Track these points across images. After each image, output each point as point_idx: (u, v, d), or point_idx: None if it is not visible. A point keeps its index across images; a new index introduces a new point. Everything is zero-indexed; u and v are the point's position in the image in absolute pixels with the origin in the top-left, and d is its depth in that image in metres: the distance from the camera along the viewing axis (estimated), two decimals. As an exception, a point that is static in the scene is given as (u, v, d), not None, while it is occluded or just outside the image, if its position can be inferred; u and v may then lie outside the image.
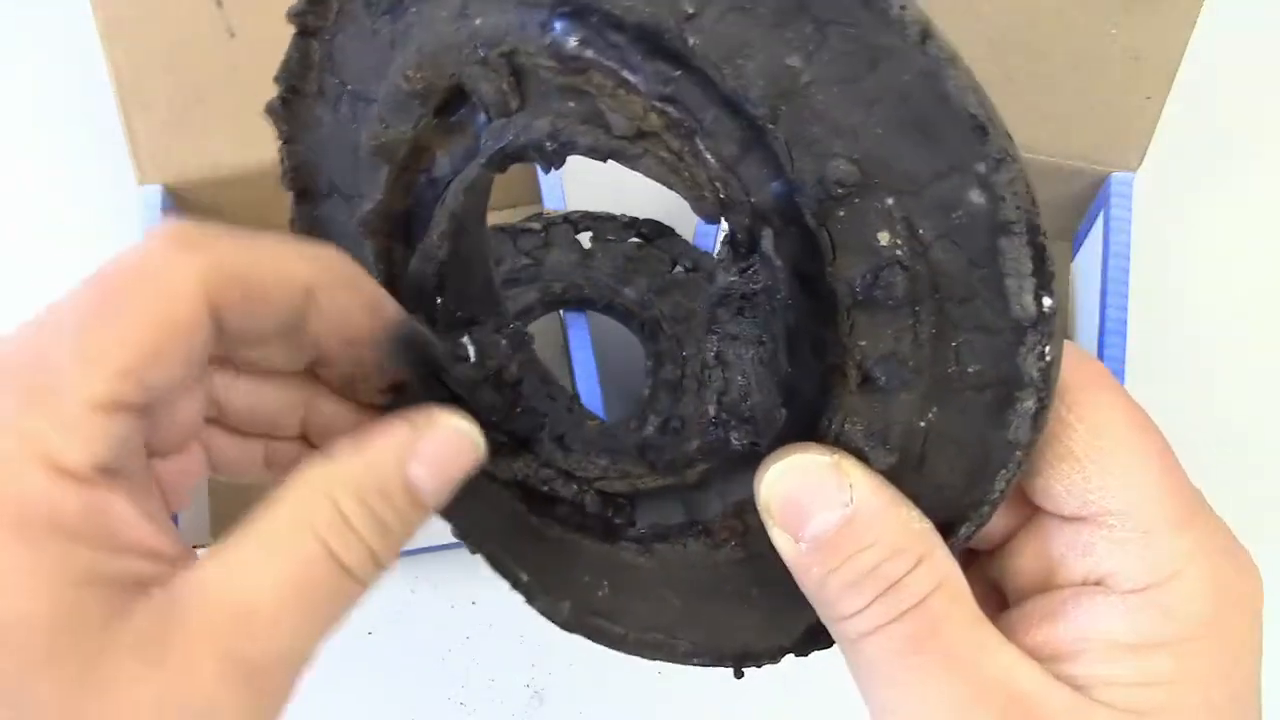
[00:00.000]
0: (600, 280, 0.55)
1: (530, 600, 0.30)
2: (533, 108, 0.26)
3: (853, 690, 0.26)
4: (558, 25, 0.25)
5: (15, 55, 0.67)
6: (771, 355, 0.26)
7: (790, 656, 0.28)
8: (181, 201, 0.56)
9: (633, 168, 0.25)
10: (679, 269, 0.55)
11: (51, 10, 0.66)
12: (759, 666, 0.29)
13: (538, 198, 0.59)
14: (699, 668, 0.30)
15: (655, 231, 0.56)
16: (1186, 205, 0.66)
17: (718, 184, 0.25)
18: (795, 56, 0.23)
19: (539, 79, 0.25)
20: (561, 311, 0.56)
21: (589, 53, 0.25)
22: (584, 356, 0.53)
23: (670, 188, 0.26)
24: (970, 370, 0.24)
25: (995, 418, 0.24)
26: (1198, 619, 0.23)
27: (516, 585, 0.30)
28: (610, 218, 0.56)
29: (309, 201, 0.31)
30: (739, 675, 0.29)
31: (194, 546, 0.25)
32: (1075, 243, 0.63)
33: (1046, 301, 0.23)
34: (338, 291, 0.25)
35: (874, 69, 0.23)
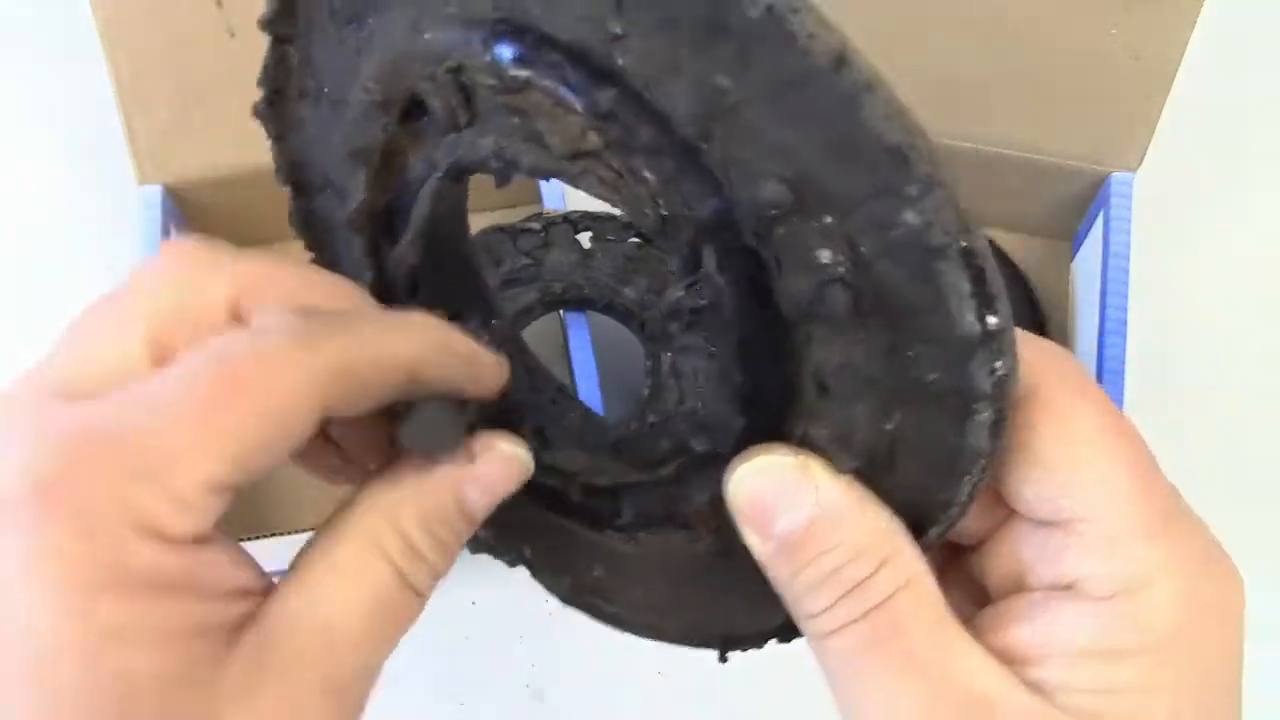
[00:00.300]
0: (600, 280, 0.55)
1: (534, 574, 0.31)
2: (481, 124, 0.26)
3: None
4: (498, 44, 0.25)
5: (15, 55, 0.67)
6: (723, 368, 0.26)
7: (773, 642, 0.29)
8: (181, 201, 0.56)
9: (575, 186, 0.26)
10: (679, 269, 0.55)
11: (51, 10, 0.66)
12: (744, 650, 0.30)
13: (538, 198, 0.59)
14: (690, 649, 0.31)
15: (655, 231, 0.56)
16: (1186, 205, 0.66)
17: (659, 200, 0.25)
18: (723, 76, 0.23)
19: (483, 97, 0.26)
20: (561, 311, 0.56)
21: (527, 72, 0.25)
22: (584, 356, 0.53)
23: (613, 205, 0.26)
24: (929, 379, 0.24)
25: (956, 425, 0.24)
26: (1166, 629, 0.23)
27: (521, 560, 0.31)
28: (610, 218, 0.56)
29: (305, 196, 0.32)
30: (723, 659, 0.30)
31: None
32: (1075, 243, 0.63)
33: (991, 320, 0.23)
34: (440, 362, 0.26)
35: (799, 90, 0.22)
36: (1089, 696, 0.23)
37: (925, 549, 0.25)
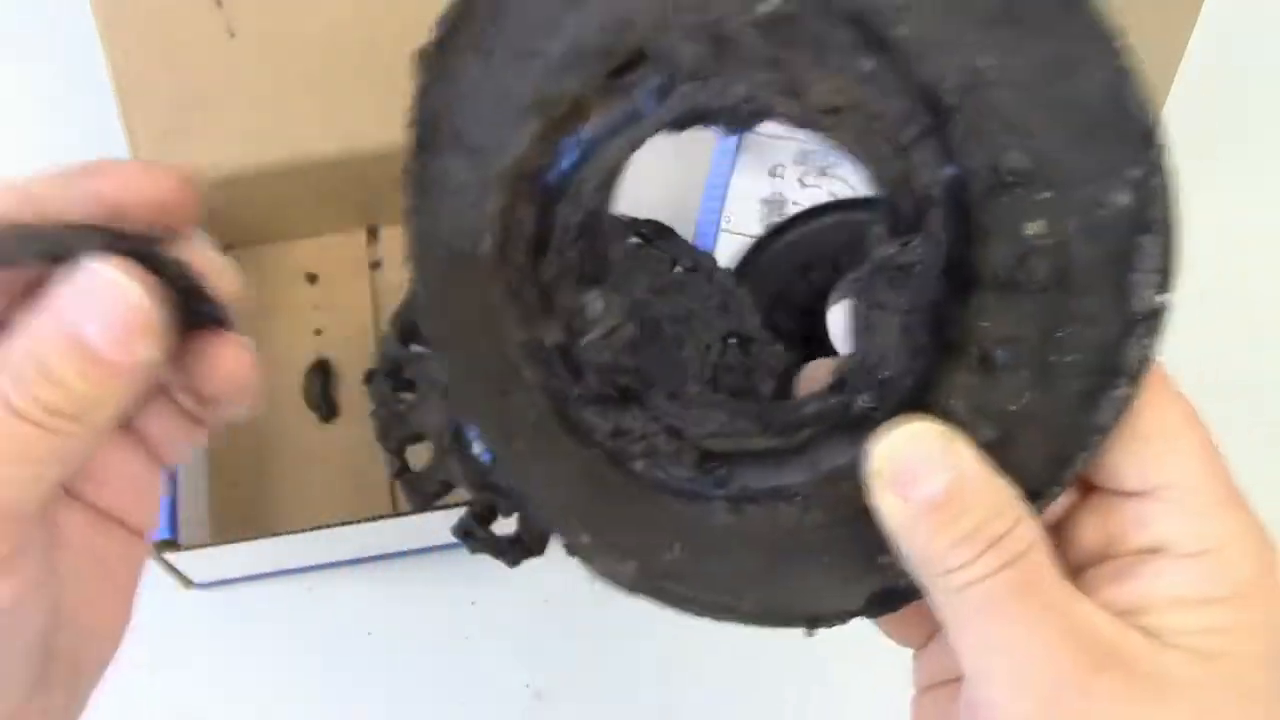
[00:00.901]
0: (600, 280, 0.55)
1: (589, 562, 0.31)
2: (727, 75, 0.29)
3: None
4: (766, 2, 0.28)
5: (15, 55, 0.67)
6: (916, 325, 0.29)
7: (856, 620, 0.30)
8: (181, 201, 0.56)
9: (823, 139, 0.28)
10: (679, 269, 0.55)
11: (51, 10, 0.66)
12: (828, 627, 0.30)
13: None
14: (764, 628, 0.31)
15: (655, 231, 0.56)
16: (1186, 205, 0.66)
17: (895, 163, 0.28)
18: (990, 57, 0.26)
19: (739, 48, 0.28)
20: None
21: (797, 28, 0.28)
22: (584, 356, 0.53)
23: (853, 160, 0.28)
24: (1069, 360, 0.27)
25: (1085, 404, 0.27)
26: (1247, 580, 0.27)
27: (575, 548, 0.31)
28: (610, 218, 0.56)
29: (427, 152, 0.31)
30: (810, 634, 0.31)
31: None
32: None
33: (1163, 297, 0.27)
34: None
35: (1058, 76, 0.26)
36: (1194, 637, 0.26)
37: None
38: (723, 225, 0.58)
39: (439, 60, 0.30)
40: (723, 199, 0.58)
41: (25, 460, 0.25)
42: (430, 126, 0.30)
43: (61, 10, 0.63)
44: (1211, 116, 0.66)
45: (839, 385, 0.30)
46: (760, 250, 0.58)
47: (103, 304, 0.26)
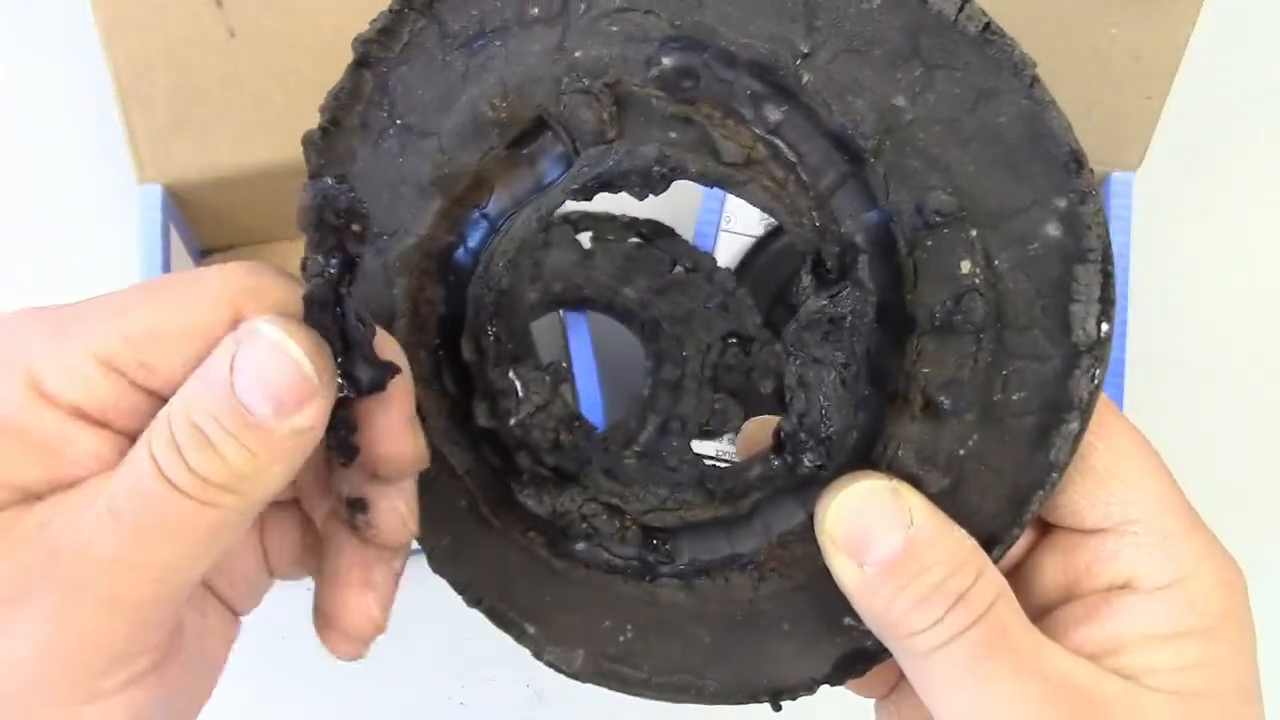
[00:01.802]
0: (600, 280, 0.55)
1: (538, 653, 0.30)
2: (630, 137, 0.28)
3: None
4: (666, 59, 0.27)
5: (15, 55, 0.67)
6: (854, 377, 0.28)
7: (824, 688, 0.29)
8: (181, 202, 0.56)
9: (738, 194, 0.27)
10: (679, 269, 0.55)
11: (51, 10, 0.66)
12: (793, 699, 0.29)
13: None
14: (728, 706, 0.30)
15: (655, 231, 0.56)
16: (1186, 205, 0.66)
17: (814, 213, 0.27)
18: (902, 97, 0.26)
19: (644, 109, 0.28)
20: (561, 311, 0.56)
21: (700, 85, 0.27)
22: (584, 356, 0.53)
23: (771, 214, 0.28)
24: (1015, 399, 0.26)
25: (1036, 442, 0.26)
26: (1216, 610, 0.26)
27: (522, 638, 0.31)
28: (610, 218, 0.56)
29: None
30: (777, 708, 0.30)
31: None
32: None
33: (1104, 327, 0.25)
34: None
35: (974, 110, 0.25)
36: (1170, 675, 0.26)
37: None
38: (723, 225, 0.58)
39: (328, 145, 0.29)
40: (723, 199, 0.58)
41: (180, 539, 0.23)
42: None
43: (61, 10, 0.63)
44: (1211, 116, 0.66)
45: (781, 446, 0.29)
46: (760, 250, 0.58)
47: (266, 368, 0.23)
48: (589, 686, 0.31)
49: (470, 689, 0.56)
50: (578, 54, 0.28)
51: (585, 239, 0.57)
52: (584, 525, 0.30)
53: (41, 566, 0.23)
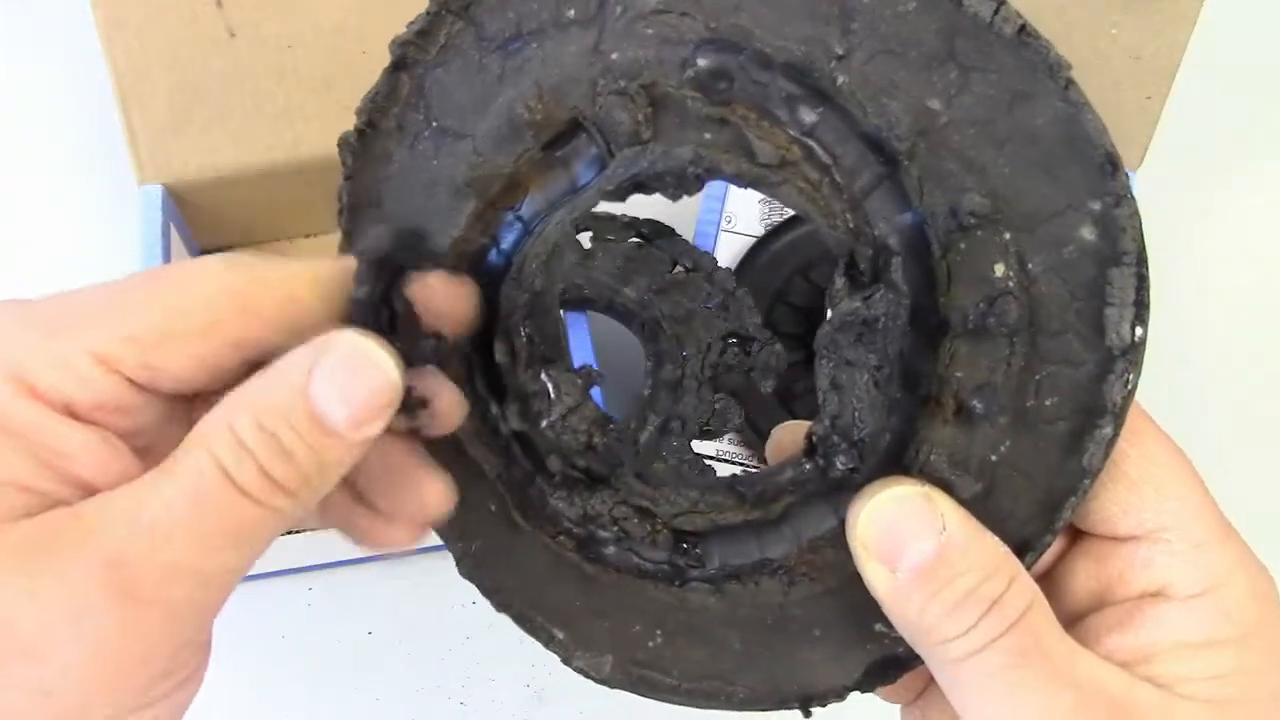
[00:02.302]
0: (600, 280, 0.55)
1: (567, 659, 0.30)
2: (665, 138, 0.28)
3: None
4: (702, 60, 0.27)
5: (15, 55, 0.67)
6: (886, 379, 0.28)
7: (855, 694, 0.29)
8: (181, 202, 0.56)
9: (772, 195, 0.27)
10: (679, 269, 0.55)
11: (51, 10, 0.66)
12: (823, 706, 0.29)
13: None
14: (757, 712, 0.30)
15: (655, 231, 0.56)
16: (1186, 205, 0.66)
17: (847, 215, 0.27)
18: (936, 99, 0.26)
19: (679, 110, 0.28)
20: (561, 311, 0.56)
21: (735, 87, 0.27)
22: (584, 356, 0.53)
23: (804, 215, 0.27)
24: (1048, 403, 0.26)
25: (1069, 447, 0.26)
26: (1249, 619, 0.26)
27: (550, 644, 0.30)
28: (610, 218, 0.56)
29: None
30: (807, 715, 0.30)
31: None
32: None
33: (1139, 331, 0.25)
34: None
35: (1009, 112, 0.25)
36: (1203, 684, 0.25)
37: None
38: (723, 225, 0.58)
39: (364, 147, 0.29)
40: (723, 199, 0.58)
41: (243, 542, 0.23)
42: (358, 216, 0.30)
43: (61, 10, 0.63)
44: (1211, 116, 0.66)
45: (813, 449, 0.29)
46: (760, 250, 0.58)
47: (355, 378, 0.24)
48: (589, 687, 0.31)
49: (470, 689, 0.56)
50: (614, 56, 0.28)
51: (585, 239, 0.57)
52: (615, 528, 0.30)
53: (99, 577, 0.22)
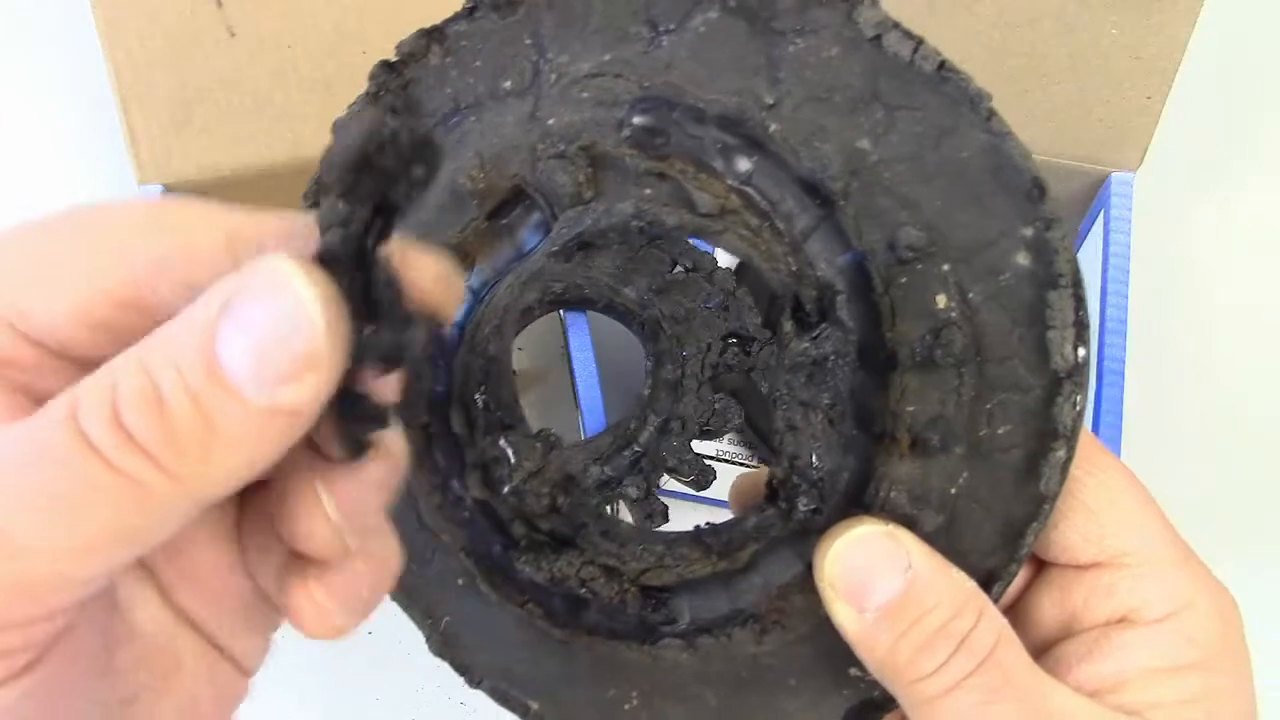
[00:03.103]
0: (600, 280, 0.55)
1: None
2: (607, 196, 0.28)
3: None
4: (637, 119, 0.27)
5: (15, 55, 0.67)
6: (840, 417, 0.28)
7: None
8: (181, 201, 0.56)
9: (715, 243, 0.28)
10: (679, 269, 0.55)
11: (51, 10, 0.66)
12: None
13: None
14: None
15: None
16: (1186, 205, 0.66)
17: (789, 259, 0.27)
18: (866, 139, 0.26)
19: (618, 168, 0.28)
20: (561, 311, 0.56)
21: (671, 142, 0.27)
22: (584, 356, 0.53)
23: (748, 261, 0.28)
24: (1000, 432, 0.26)
25: (1025, 474, 0.26)
26: (1214, 641, 0.26)
27: (526, 716, 0.30)
28: (610, 218, 0.56)
29: None
30: None
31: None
32: (1075, 243, 0.63)
33: (1081, 351, 0.25)
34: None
35: (936, 147, 0.26)
36: (1172, 710, 0.25)
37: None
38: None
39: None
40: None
41: (77, 512, 0.17)
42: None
43: (61, 10, 0.63)
44: (1211, 116, 0.66)
45: (774, 493, 0.29)
46: (760, 250, 0.58)
47: (264, 315, 0.17)
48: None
49: (471, 689, 0.56)
50: (551, 121, 0.28)
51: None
52: (583, 589, 0.30)
53: None
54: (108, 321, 0.20)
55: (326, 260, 0.18)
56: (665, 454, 0.49)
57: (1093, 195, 0.59)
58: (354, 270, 0.18)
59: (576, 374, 0.53)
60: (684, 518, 0.43)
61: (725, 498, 0.60)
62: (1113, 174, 0.56)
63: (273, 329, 0.17)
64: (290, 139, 0.54)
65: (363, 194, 0.18)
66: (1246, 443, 0.62)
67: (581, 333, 0.54)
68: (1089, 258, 0.59)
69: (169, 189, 0.55)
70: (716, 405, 0.53)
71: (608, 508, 0.33)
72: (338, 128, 0.21)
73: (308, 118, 0.54)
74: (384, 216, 0.19)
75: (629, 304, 0.55)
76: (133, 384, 0.17)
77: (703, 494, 0.53)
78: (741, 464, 0.58)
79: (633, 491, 0.48)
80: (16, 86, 0.67)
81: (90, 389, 0.18)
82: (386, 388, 0.21)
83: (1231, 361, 0.63)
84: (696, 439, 0.53)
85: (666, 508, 0.48)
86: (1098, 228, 0.58)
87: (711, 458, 0.57)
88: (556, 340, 0.58)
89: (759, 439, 0.58)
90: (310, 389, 0.18)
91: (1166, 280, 0.64)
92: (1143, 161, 0.56)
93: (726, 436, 0.57)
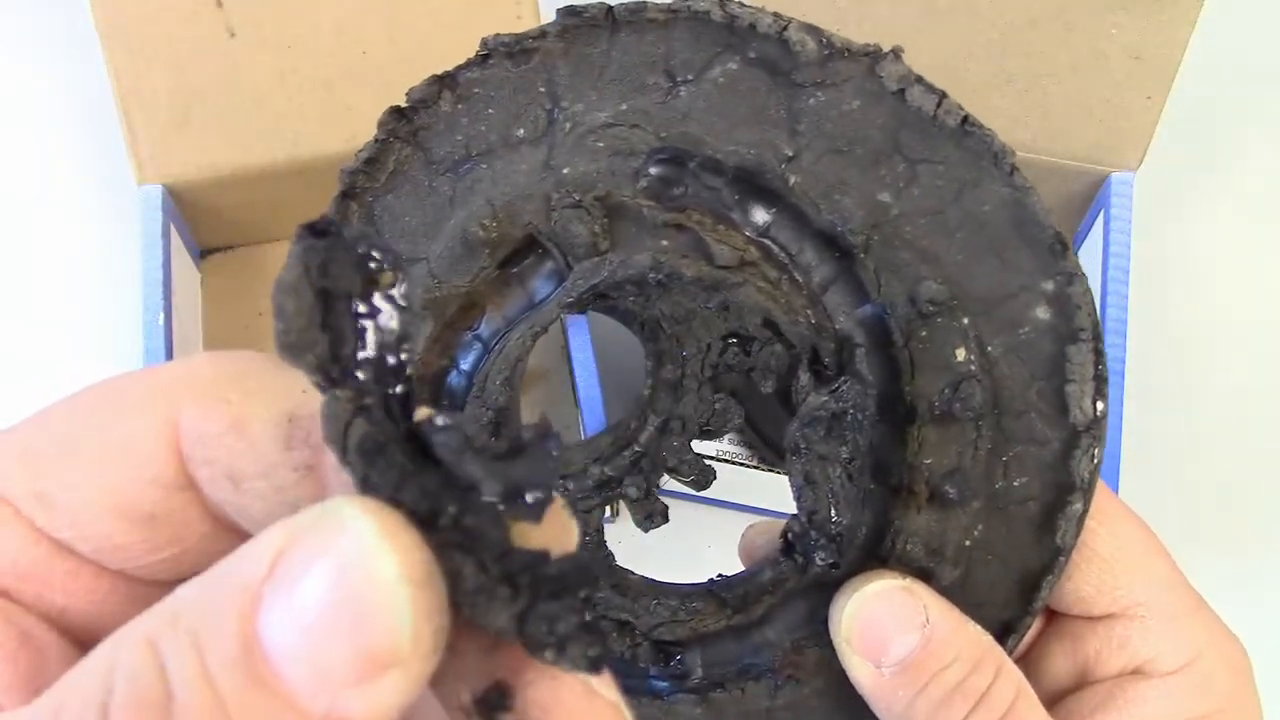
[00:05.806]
0: (600, 280, 0.55)
1: None
2: (623, 247, 0.28)
3: None
4: (654, 169, 0.27)
5: (15, 55, 0.67)
6: (859, 471, 0.28)
7: None
8: (181, 202, 0.56)
9: (733, 296, 0.27)
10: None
11: (51, 10, 0.66)
12: None
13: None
14: None
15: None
16: (1186, 205, 0.66)
17: (808, 311, 0.27)
18: (887, 192, 0.26)
19: (635, 219, 0.28)
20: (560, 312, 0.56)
21: (688, 193, 0.27)
22: (584, 356, 0.53)
23: (767, 314, 0.28)
24: (1016, 484, 0.26)
25: (1041, 526, 0.26)
26: (1225, 691, 0.26)
27: None
28: (610, 218, 0.56)
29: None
30: None
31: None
32: (1075, 243, 0.63)
33: (1100, 405, 0.25)
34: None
35: (958, 201, 0.26)
36: None
37: None
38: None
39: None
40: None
41: None
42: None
43: (61, 10, 0.63)
44: (1211, 116, 0.66)
45: (790, 547, 0.29)
46: (760, 250, 0.58)
47: (330, 590, 0.12)
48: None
49: None
50: (565, 170, 0.28)
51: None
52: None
53: None
54: (144, 506, 0.16)
55: (365, 453, 0.14)
56: (665, 454, 0.49)
57: (1093, 195, 0.59)
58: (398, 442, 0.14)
59: (576, 374, 0.53)
60: (684, 517, 0.43)
61: (725, 498, 0.60)
62: (1113, 174, 0.56)
63: (336, 610, 0.12)
64: (290, 139, 0.54)
65: (389, 477, 0.14)
66: (1247, 443, 0.62)
67: (581, 333, 0.54)
68: (1089, 258, 0.59)
69: (169, 189, 0.55)
70: (716, 405, 0.52)
71: (614, 563, 0.32)
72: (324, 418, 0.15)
73: (308, 118, 0.54)
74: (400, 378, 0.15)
75: (629, 304, 0.55)
76: (133, 678, 0.12)
77: (703, 494, 0.53)
78: (742, 464, 0.58)
79: (633, 491, 0.48)
80: (16, 86, 0.66)
81: (77, 685, 0.13)
82: None
83: (1231, 361, 0.63)
84: (696, 439, 0.53)
85: (666, 508, 0.48)
86: (1098, 228, 0.58)
87: (711, 458, 0.57)
88: (556, 340, 0.58)
89: (759, 439, 0.57)
90: (393, 693, 0.13)
91: (1166, 280, 0.64)
92: (1143, 161, 0.56)
93: (726, 436, 0.57)
